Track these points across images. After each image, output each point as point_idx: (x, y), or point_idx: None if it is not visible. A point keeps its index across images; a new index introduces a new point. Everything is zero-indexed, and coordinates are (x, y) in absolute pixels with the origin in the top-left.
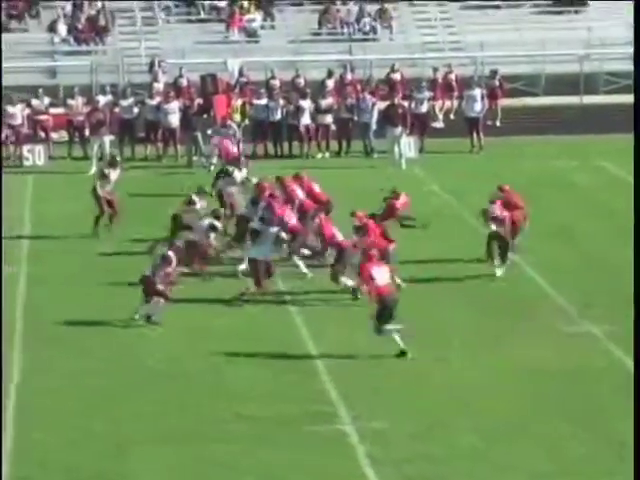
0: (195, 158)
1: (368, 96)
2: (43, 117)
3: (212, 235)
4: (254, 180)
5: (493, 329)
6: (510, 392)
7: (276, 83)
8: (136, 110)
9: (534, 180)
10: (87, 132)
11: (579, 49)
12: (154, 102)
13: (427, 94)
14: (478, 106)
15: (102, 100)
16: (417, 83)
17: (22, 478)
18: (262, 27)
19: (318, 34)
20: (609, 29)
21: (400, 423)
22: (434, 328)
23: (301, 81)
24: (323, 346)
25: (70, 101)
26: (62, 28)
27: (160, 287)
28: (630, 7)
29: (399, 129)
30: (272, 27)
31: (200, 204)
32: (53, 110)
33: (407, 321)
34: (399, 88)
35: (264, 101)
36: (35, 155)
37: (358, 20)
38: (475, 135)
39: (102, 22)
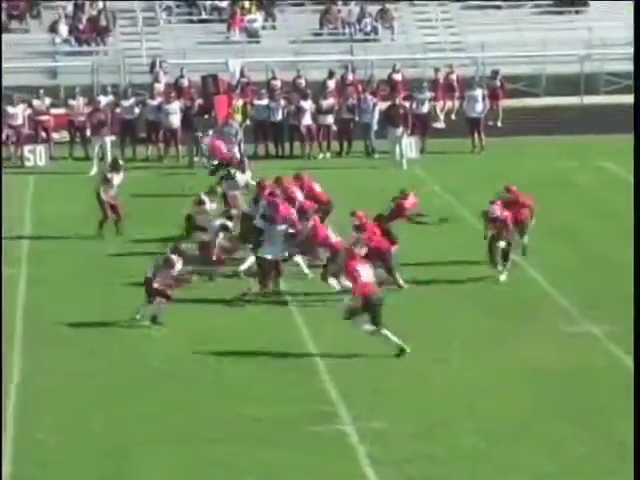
0: (196, 159)
1: (369, 96)
2: (44, 117)
3: (221, 235)
4: (254, 182)
5: (494, 329)
6: (511, 392)
7: (277, 83)
8: (137, 110)
9: (535, 180)
10: (88, 132)
11: (580, 49)
12: (155, 102)
13: (428, 94)
14: (479, 106)
15: (103, 100)
16: (418, 83)
17: (22, 478)
18: (263, 27)
19: (319, 34)
20: (610, 29)
21: (400, 423)
22: (435, 328)
23: (302, 81)
24: (323, 346)
25: (71, 101)
26: (63, 28)
27: (161, 287)
28: (630, 7)
29: (400, 129)
30: (273, 27)
31: (210, 204)
32: (54, 110)
33: (407, 321)
34: (400, 88)
35: (265, 101)
36: (36, 155)
37: (359, 20)
38: (476, 135)
39: (103, 22)
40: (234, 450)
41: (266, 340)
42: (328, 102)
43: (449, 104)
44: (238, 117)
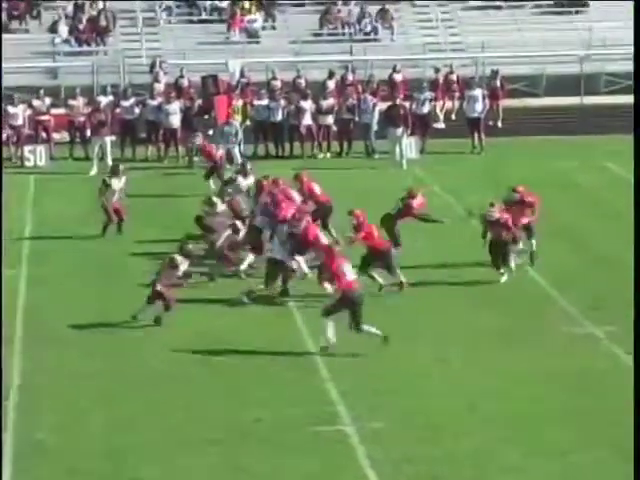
0: (196, 159)
1: (369, 97)
2: (44, 118)
3: (228, 234)
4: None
5: (494, 330)
6: (511, 393)
7: (277, 84)
8: (137, 111)
9: (536, 180)
10: (88, 133)
11: (580, 50)
12: (155, 103)
13: (428, 95)
14: (479, 107)
15: (103, 101)
16: (418, 84)
17: (22, 478)
18: (263, 28)
19: (319, 35)
20: (610, 29)
21: (400, 423)
22: (435, 328)
23: (302, 82)
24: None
25: (71, 102)
26: (63, 29)
27: (163, 290)
28: (630, 7)
29: (400, 130)
30: (273, 28)
31: (220, 206)
32: (54, 111)
33: (407, 321)
34: (400, 89)
35: (265, 102)
36: (36, 156)
37: (359, 21)
38: (476, 136)
39: (103, 23)
40: (234, 451)
41: (266, 340)
42: (328, 102)
43: (449, 104)
44: (238, 117)
